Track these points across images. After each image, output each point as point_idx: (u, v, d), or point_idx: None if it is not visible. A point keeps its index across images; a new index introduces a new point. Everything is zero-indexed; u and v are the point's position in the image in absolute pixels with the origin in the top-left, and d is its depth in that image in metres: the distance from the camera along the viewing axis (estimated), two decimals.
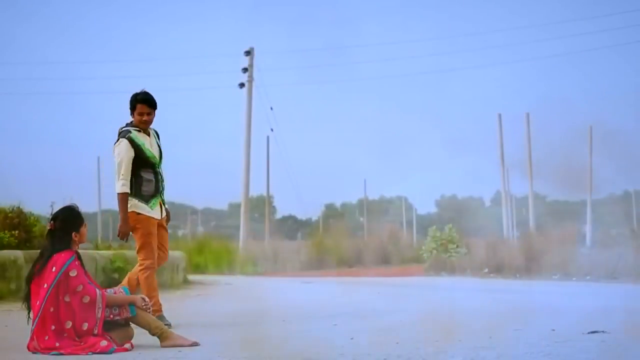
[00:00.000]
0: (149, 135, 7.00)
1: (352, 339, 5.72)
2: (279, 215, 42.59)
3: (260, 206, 33.54)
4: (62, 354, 5.09)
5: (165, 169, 7.14)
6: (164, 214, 7.08)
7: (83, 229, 5.43)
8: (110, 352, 5.14)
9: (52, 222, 5.43)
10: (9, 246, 10.05)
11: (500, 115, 25.78)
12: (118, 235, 6.99)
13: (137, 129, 6.94)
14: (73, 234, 5.37)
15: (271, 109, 26.30)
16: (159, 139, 7.13)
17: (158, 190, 6.99)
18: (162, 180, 7.04)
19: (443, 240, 19.32)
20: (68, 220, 5.40)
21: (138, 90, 6.98)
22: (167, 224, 7.19)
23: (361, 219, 34.89)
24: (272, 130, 26.68)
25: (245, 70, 26.14)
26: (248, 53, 26.27)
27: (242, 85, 26.16)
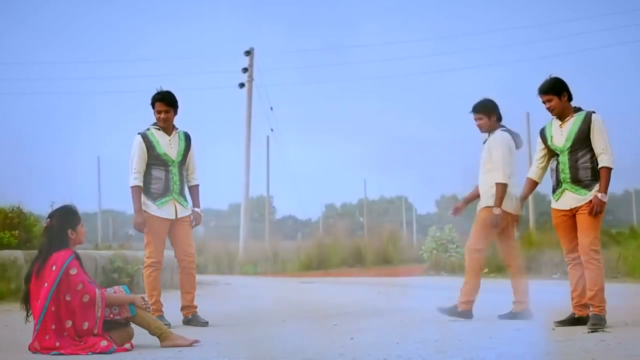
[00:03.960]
0: (170, 134, 7.06)
1: (352, 339, 5.73)
2: (279, 216, 42.58)
3: (260, 206, 33.53)
4: (62, 354, 5.09)
5: None
6: (183, 214, 7.10)
7: (80, 228, 5.44)
8: (110, 352, 5.14)
9: (48, 219, 5.45)
10: (9, 246, 10.05)
11: None
12: (135, 227, 7.12)
13: (157, 127, 7.07)
14: (69, 231, 5.37)
15: (271, 109, 26.29)
16: (187, 141, 7.17)
17: (169, 189, 7.02)
18: (178, 181, 7.06)
19: (443, 240, 19.29)
20: (64, 218, 5.41)
21: (158, 89, 7.10)
22: (193, 225, 7.22)
23: (361, 219, 34.85)
24: (272, 130, 26.67)
25: (245, 70, 26.12)
26: (248, 53, 26.25)
27: (242, 85, 26.14)
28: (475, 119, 7.22)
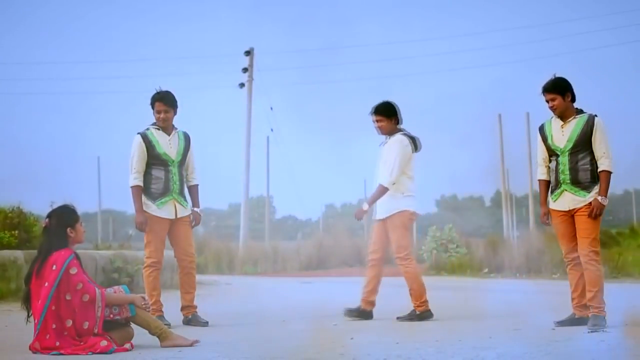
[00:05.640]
0: (169, 134, 7.08)
1: (352, 339, 5.73)
2: (279, 215, 42.63)
3: (260, 206, 33.54)
4: (62, 354, 5.09)
5: None
6: (183, 214, 7.11)
7: (78, 226, 5.44)
8: (110, 352, 5.14)
9: (47, 219, 5.45)
10: (9, 246, 10.05)
11: (500, 115, 25.76)
12: (136, 227, 7.11)
13: (157, 127, 7.08)
14: (68, 229, 5.37)
15: (271, 109, 26.27)
16: (187, 141, 7.19)
17: (169, 189, 7.02)
18: (178, 181, 7.07)
19: (443, 240, 19.30)
20: (63, 217, 5.42)
21: (158, 89, 7.11)
22: (193, 225, 7.23)
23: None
24: (272, 130, 26.66)
25: (245, 70, 26.11)
26: (248, 53, 26.24)
27: (242, 85, 26.14)
28: (376, 121, 7.26)
